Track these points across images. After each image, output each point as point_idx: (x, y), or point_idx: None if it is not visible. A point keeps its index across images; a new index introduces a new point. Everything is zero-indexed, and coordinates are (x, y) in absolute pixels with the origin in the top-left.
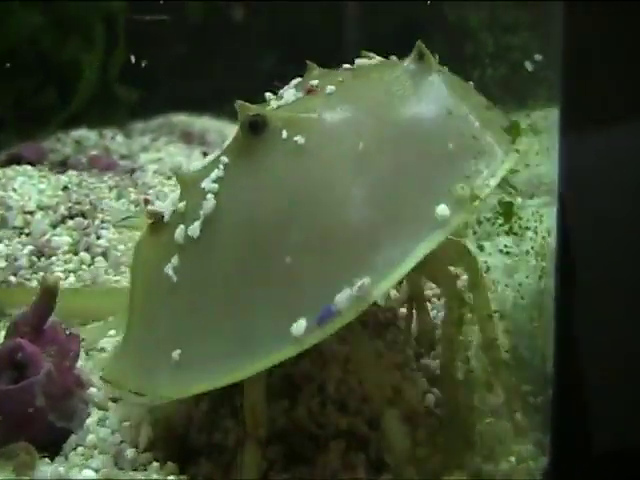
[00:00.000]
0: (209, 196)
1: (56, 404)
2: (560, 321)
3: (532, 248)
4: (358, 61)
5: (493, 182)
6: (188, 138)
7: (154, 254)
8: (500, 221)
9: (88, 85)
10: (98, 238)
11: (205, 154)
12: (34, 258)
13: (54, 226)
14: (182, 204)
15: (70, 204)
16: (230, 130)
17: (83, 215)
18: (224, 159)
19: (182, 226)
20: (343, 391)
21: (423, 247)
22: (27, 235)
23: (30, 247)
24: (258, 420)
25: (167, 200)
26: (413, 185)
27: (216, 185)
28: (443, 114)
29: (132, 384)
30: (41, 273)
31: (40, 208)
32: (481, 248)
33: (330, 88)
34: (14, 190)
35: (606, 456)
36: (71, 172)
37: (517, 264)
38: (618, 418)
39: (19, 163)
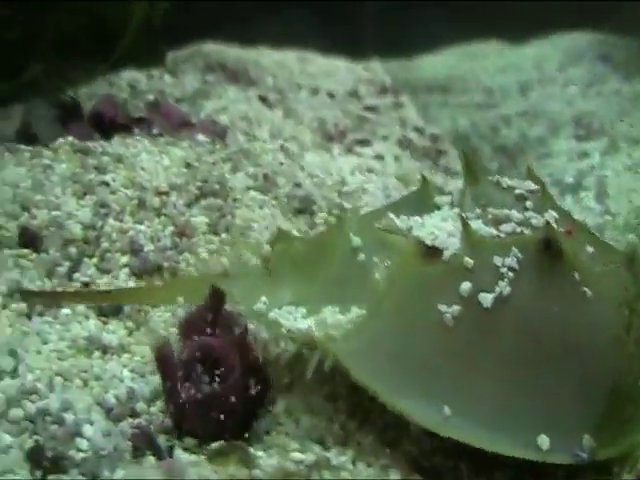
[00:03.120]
0: (506, 281)
1: (247, 395)
2: None
3: None
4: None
5: None
6: (235, 77)
7: (424, 283)
8: None
9: (137, 23)
10: (233, 218)
11: (262, 98)
12: (176, 239)
13: (188, 206)
14: (470, 261)
15: (199, 183)
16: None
17: (214, 194)
18: (517, 253)
19: (469, 284)
20: None
21: None
22: (165, 216)
23: (171, 228)
24: None
25: (429, 228)
26: None
27: (512, 274)
28: None
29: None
30: (186, 254)
31: (172, 188)
32: None
33: (589, 249)
34: (142, 169)
35: None
36: (182, 143)
37: None
38: None
39: (101, 121)
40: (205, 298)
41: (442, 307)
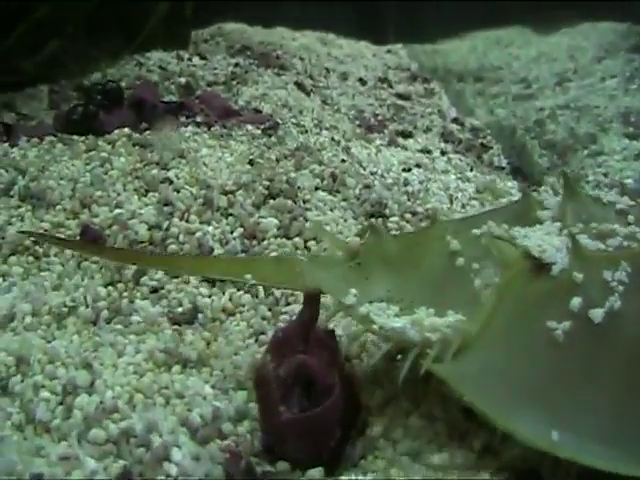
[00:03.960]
0: (616, 295)
1: (344, 417)
2: None
3: None
4: None
5: None
6: (266, 61)
7: (533, 298)
8: None
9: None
10: (306, 220)
11: (298, 84)
12: (246, 241)
13: (257, 207)
14: (579, 275)
15: (266, 182)
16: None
17: (283, 194)
18: (626, 267)
19: (579, 299)
20: None
21: None
22: (233, 217)
23: (240, 230)
24: None
25: (539, 238)
26: None
27: (622, 288)
28: None
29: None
30: None
31: (238, 187)
32: None
33: None
34: (205, 165)
35: None
36: (235, 135)
37: None
38: None
39: (142, 107)
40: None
41: (552, 324)
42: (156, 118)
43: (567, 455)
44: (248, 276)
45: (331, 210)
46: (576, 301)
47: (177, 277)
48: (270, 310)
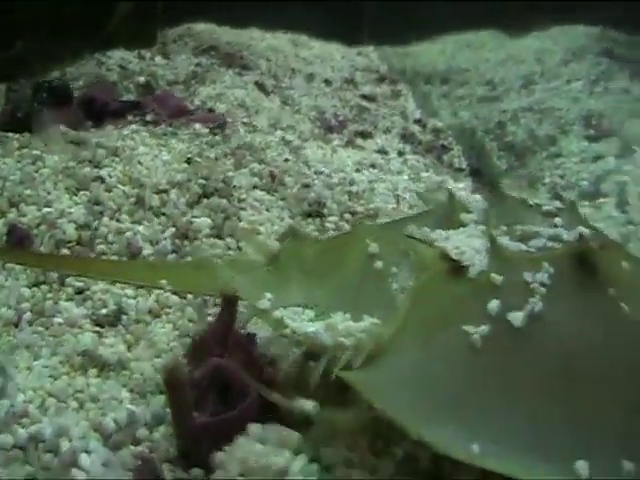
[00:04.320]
0: (537, 297)
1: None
2: None
3: None
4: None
5: None
6: (229, 61)
7: (449, 301)
8: None
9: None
10: (240, 220)
11: (258, 84)
12: (177, 241)
13: (190, 206)
14: (499, 277)
15: (201, 181)
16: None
17: (218, 193)
18: (548, 268)
19: (498, 301)
20: None
21: None
22: (165, 216)
23: (171, 230)
24: None
25: (456, 241)
26: None
27: (544, 290)
28: None
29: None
30: (189, 259)
31: (172, 185)
32: None
33: (625, 265)
34: (140, 163)
35: None
36: (180, 134)
37: None
38: None
39: (92, 106)
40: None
41: (469, 328)
42: (105, 117)
43: (489, 466)
44: (164, 282)
45: (267, 210)
46: (494, 304)
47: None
48: (197, 312)
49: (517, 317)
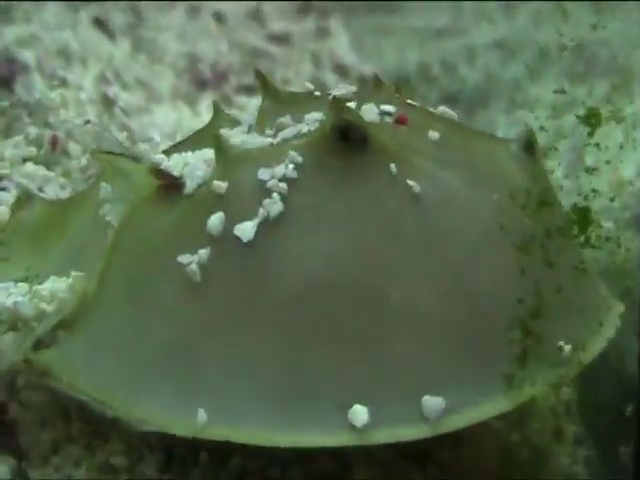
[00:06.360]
0: (275, 197)
1: None
2: None
3: (614, 263)
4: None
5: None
6: None
7: (160, 230)
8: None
9: None
10: None
11: (98, 22)
12: None
13: None
14: (223, 184)
15: None
16: None
17: None
18: (296, 157)
19: (221, 214)
20: None
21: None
22: None
23: None
24: None
25: (177, 159)
26: None
27: (285, 186)
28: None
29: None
30: None
31: None
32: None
33: (434, 135)
34: None
35: None
36: None
37: None
38: None
39: None
40: None
41: (184, 258)
42: None
43: (219, 436)
44: None
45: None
46: (215, 219)
47: None
48: None
49: (246, 229)
